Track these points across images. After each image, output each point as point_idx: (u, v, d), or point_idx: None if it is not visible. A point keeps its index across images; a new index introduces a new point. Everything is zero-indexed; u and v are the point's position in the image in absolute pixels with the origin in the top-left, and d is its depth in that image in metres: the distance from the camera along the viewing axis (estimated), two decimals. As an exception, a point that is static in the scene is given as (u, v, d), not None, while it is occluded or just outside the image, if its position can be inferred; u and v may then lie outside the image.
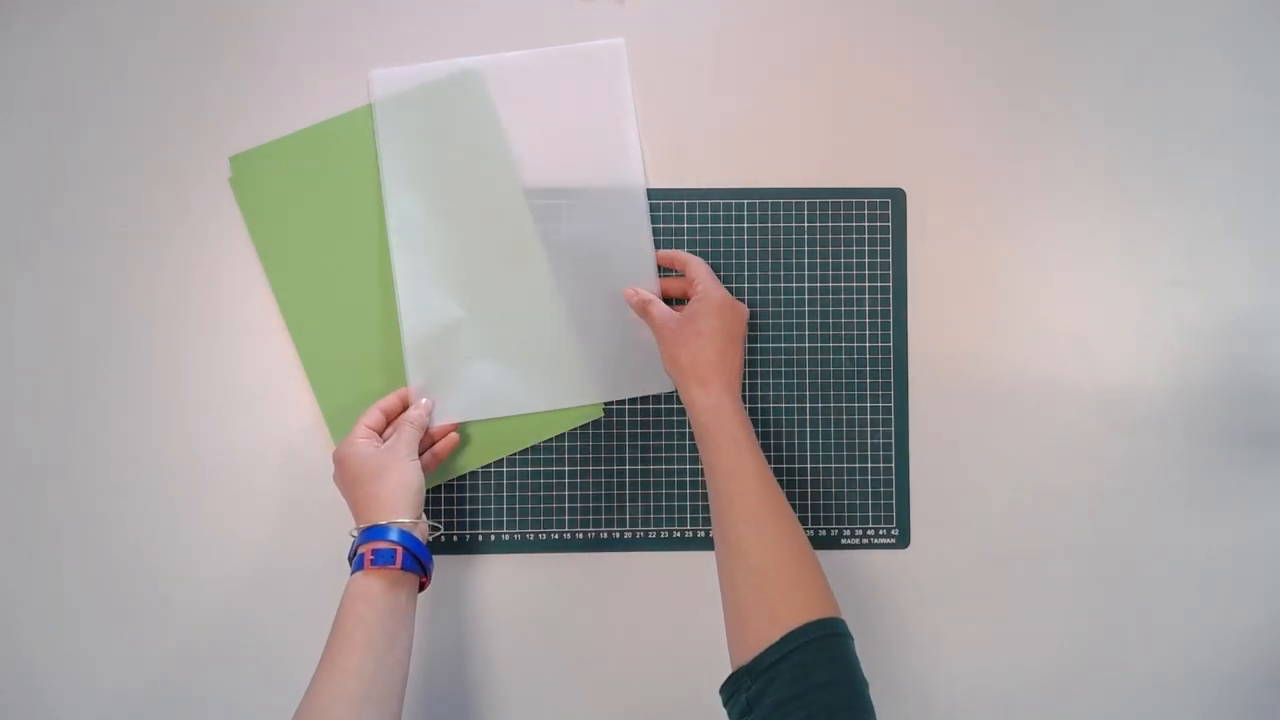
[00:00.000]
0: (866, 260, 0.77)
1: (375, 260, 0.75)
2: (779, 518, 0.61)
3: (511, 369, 0.75)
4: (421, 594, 0.76)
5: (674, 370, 0.68)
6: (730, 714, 0.57)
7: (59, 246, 0.75)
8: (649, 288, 0.75)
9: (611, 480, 0.76)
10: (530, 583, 0.75)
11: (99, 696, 0.74)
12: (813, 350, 0.76)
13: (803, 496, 0.76)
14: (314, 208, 0.75)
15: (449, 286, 0.75)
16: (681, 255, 0.74)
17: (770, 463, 0.75)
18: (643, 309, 0.72)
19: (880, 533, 0.76)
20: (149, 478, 0.74)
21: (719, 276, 0.74)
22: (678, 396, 0.76)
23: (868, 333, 0.76)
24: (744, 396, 0.76)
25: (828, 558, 0.76)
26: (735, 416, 0.64)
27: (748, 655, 0.56)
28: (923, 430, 0.76)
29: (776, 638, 0.55)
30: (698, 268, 0.72)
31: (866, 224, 0.77)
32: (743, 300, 0.75)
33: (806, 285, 0.77)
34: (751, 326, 0.76)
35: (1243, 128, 0.78)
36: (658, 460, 0.76)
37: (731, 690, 0.57)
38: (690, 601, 0.75)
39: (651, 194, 0.76)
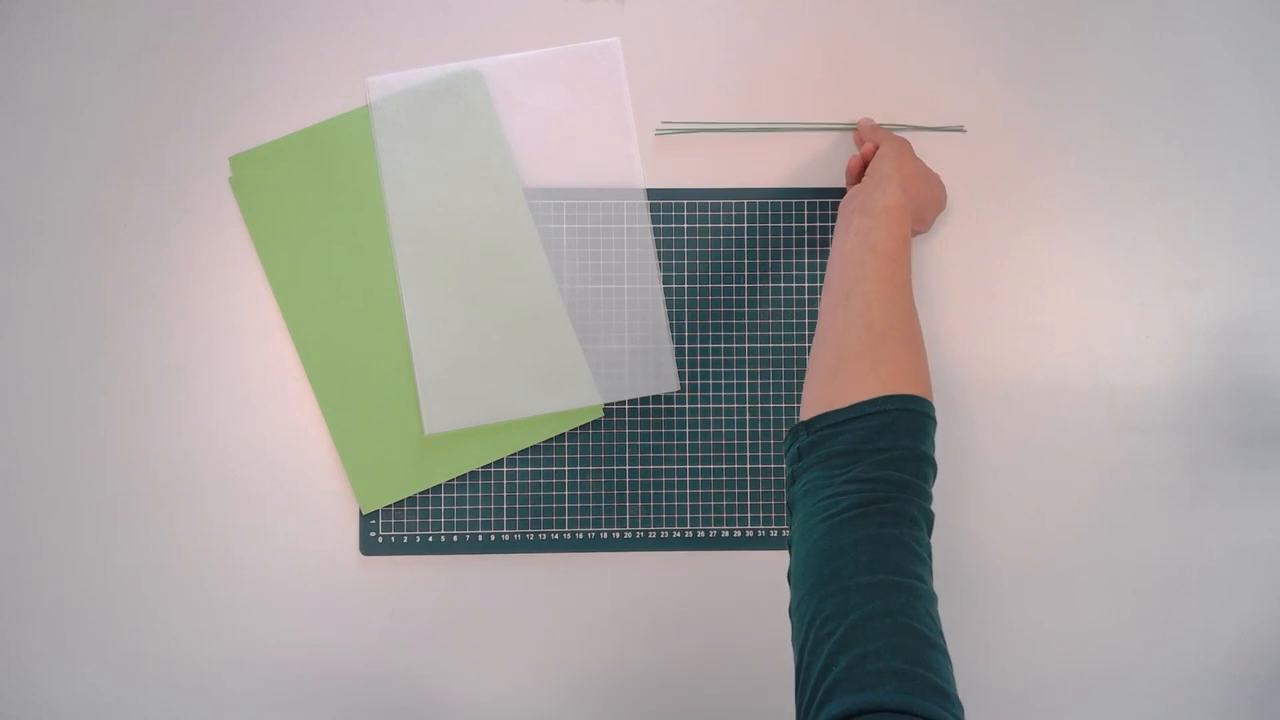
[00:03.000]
0: (866, 260, 0.77)
1: (377, 260, 0.75)
2: (911, 305, 0.60)
3: (512, 370, 0.75)
4: (421, 594, 0.76)
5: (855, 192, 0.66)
6: (786, 456, 0.57)
7: (58, 246, 0.75)
8: (650, 287, 0.75)
9: (611, 480, 0.76)
10: (531, 582, 0.75)
11: (98, 699, 0.74)
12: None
13: (803, 496, 0.76)
14: (314, 208, 0.75)
15: (451, 287, 0.75)
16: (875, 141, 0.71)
17: (769, 463, 0.76)
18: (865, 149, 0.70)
19: (880, 533, 0.76)
20: (148, 478, 0.75)
21: (717, 276, 0.74)
22: (677, 397, 0.76)
23: (868, 333, 0.76)
24: (744, 397, 0.76)
25: (828, 558, 0.76)
26: (904, 211, 0.62)
27: (838, 403, 0.54)
28: (923, 430, 0.76)
29: (875, 394, 0.54)
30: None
31: (866, 224, 0.77)
32: (743, 300, 0.76)
33: (806, 285, 0.76)
34: (751, 326, 0.76)
35: (1245, 128, 0.78)
36: (658, 460, 0.76)
37: (806, 432, 0.55)
38: (691, 601, 0.75)
39: (651, 194, 0.76)
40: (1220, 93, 0.78)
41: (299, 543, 0.75)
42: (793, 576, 0.52)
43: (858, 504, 0.50)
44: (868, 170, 0.68)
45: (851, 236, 0.62)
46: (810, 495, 0.52)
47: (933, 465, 0.54)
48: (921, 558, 0.50)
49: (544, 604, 0.75)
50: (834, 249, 0.63)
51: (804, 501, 0.53)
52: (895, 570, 0.48)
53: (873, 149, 0.70)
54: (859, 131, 0.75)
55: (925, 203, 0.71)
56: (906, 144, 0.72)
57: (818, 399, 0.56)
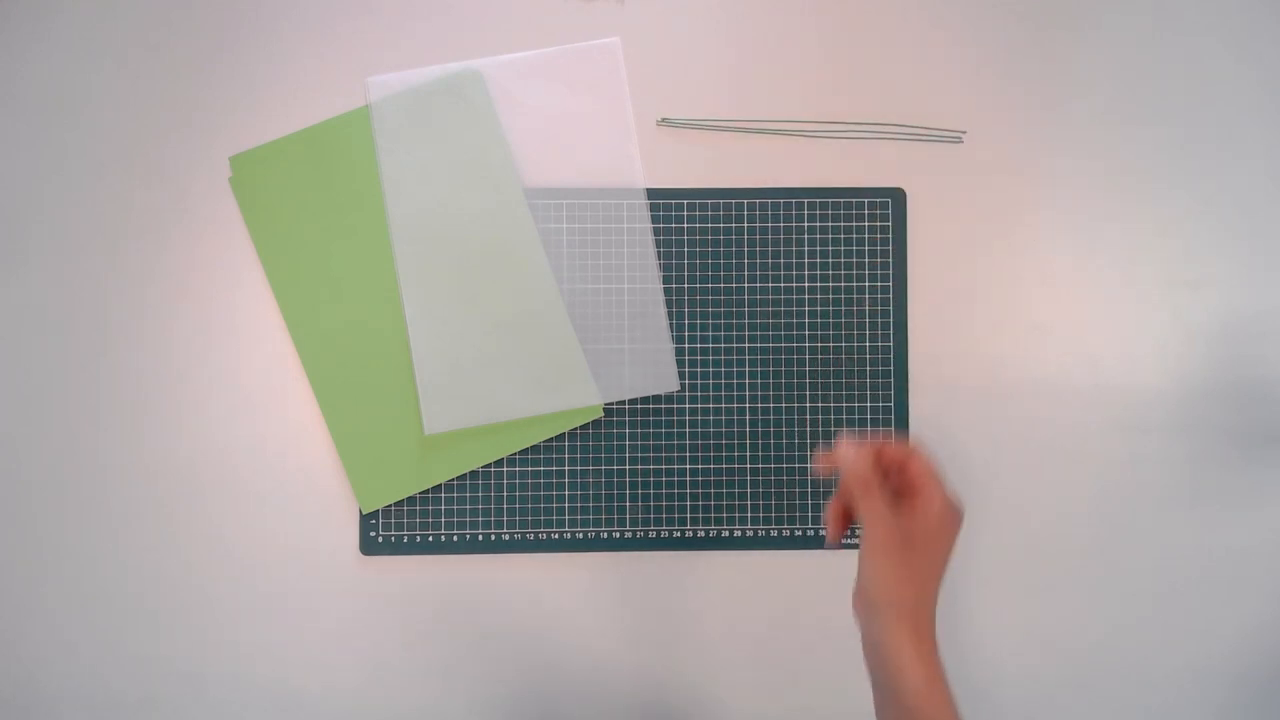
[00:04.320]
0: (866, 260, 0.77)
1: (377, 260, 0.75)
2: None
3: (512, 370, 0.75)
4: (421, 594, 0.76)
5: (876, 599, 0.53)
6: None
7: (58, 247, 0.75)
8: (650, 287, 0.75)
9: (611, 480, 0.76)
10: (531, 582, 0.75)
11: (97, 699, 0.74)
12: (813, 350, 0.76)
13: (803, 496, 0.76)
14: (314, 208, 0.75)
15: (451, 287, 0.75)
16: (904, 449, 0.56)
17: (770, 463, 0.76)
18: (863, 495, 0.54)
19: (880, 533, 0.76)
20: (148, 479, 0.74)
21: (717, 276, 0.74)
22: (677, 397, 0.76)
23: (868, 333, 0.76)
24: (744, 397, 0.76)
25: (829, 558, 0.76)
26: (946, 689, 0.52)
27: None
28: (923, 430, 0.76)
29: None
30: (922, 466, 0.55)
31: (866, 224, 0.77)
32: (743, 300, 0.76)
33: (806, 285, 0.77)
34: (751, 326, 0.76)
35: (1245, 127, 0.78)
36: (658, 460, 0.76)
37: None
38: (690, 601, 0.75)
39: (651, 194, 0.76)
40: (1220, 93, 0.78)
41: (299, 543, 0.75)
42: None
43: None
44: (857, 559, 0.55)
45: (873, 672, 0.54)
46: None
47: None
48: None
49: (544, 604, 0.75)
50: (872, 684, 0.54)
51: None
52: None
53: (841, 507, 0.57)
54: (822, 463, 0.57)
55: (933, 561, 0.54)
56: (882, 509, 0.54)
57: None
